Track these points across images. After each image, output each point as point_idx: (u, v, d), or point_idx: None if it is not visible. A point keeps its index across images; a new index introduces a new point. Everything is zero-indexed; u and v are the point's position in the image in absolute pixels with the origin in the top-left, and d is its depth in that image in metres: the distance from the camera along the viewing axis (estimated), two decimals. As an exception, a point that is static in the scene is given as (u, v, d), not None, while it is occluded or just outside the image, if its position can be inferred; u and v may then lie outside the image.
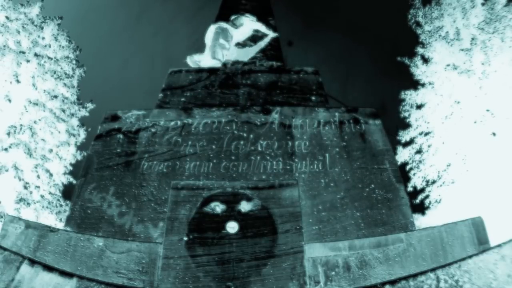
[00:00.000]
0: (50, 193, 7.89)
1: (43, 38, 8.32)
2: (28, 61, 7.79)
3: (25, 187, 7.27)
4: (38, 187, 7.57)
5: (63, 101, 8.36)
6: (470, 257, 2.86)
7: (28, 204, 7.23)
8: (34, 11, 8.34)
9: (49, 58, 8.30)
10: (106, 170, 3.92)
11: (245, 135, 4.14)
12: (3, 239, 3.13)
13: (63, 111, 8.39)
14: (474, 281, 2.72)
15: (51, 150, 7.92)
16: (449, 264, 2.85)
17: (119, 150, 4.07)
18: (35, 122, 7.74)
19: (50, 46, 8.43)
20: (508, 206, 6.67)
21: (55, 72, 8.31)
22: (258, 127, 4.20)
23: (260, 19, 6.84)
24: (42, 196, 7.70)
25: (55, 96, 8.20)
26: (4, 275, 2.87)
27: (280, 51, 6.46)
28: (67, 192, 8.27)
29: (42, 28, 8.33)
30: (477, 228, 3.11)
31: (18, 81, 7.51)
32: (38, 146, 7.72)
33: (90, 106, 8.97)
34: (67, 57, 8.74)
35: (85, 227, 3.51)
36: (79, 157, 8.57)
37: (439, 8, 8.54)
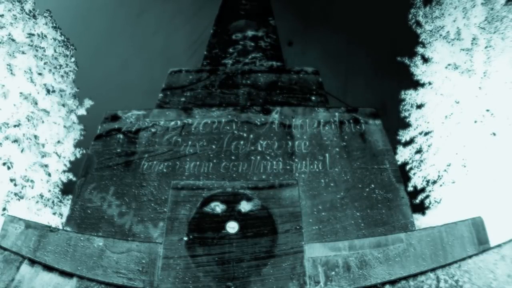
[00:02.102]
0: (49, 190, 7.88)
1: (39, 37, 8.30)
2: (23, 52, 7.76)
3: (15, 184, 7.22)
4: (33, 181, 7.52)
5: (60, 96, 8.33)
6: (470, 257, 2.86)
7: (21, 197, 7.15)
8: (28, 6, 8.32)
9: (43, 50, 8.27)
10: (106, 170, 3.92)
11: (245, 135, 4.14)
12: (3, 239, 3.13)
13: (63, 105, 8.37)
14: (474, 281, 2.72)
15: (47, 153, 7.90)
16: (449, 264, 2.86)
17: (119, 150, 4.07)
18: (30, 117, 7.70)
19: (45, 37, 8.41)
20: (508, 206, 6.67)
21: (52, 67, 8.29)
22: (258, 127, 4.20)
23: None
24: (41, 196, 7.69)
25: (53, 91, 8.18)
26: (4, 275, 2.88)
27: (280, 51, 6.46)
28: (66, 189, 8.28)
29: (36, 20, 8.30)
30: (477, 228, 3.11)
31: (12, 74, 7.48)
32: (34, 142, 7.68)
33: (89, 102, 8.95)
34: (62, 52, 8.73)
35: (85, 227, 3.51)
36: (78, 155, 8.56)
37: (440, 7, 8.53)
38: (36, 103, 7.82)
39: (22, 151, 7.34)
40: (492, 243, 3.00)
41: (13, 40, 7.74)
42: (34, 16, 8.37)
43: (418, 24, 8.85)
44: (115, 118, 4.39)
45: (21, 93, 7.62)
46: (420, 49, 8.74)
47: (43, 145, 7.86)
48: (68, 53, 8.86)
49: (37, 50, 8.09)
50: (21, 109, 7.63)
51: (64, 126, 8.38)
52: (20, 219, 3.28)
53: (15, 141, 7.26)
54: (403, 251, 3.02)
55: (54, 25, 8.75)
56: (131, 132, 4.22)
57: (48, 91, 8.07)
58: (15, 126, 7.40)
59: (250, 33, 6.62)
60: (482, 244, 3.04)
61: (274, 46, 6.47)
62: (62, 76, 8.55)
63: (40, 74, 8.03)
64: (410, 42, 8.98)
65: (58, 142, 8.25)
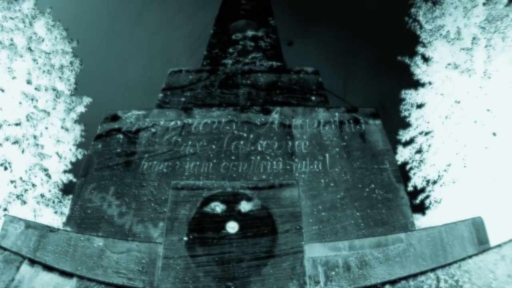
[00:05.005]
0: (49, 190, 7.88)
1: (39, 36, 8.30)
2: (21, 56, 7.77)
3: (14, 186, 7.21)
4: (35, 185, 7.53)
5: (57, 95, 8.31)
6: (470, 257, 2.86)
7: (24, 202, 7.16)
8: (27, 5, 8.31)
9: (44, 52, 8.27)
10: (106, 170, 3.92)
11: (245, 135, 4.14)
12: (3, 239, 3.13)
13: (62, 104, 8.37)
14: (474, 281, 2.72)
15: (46, 155, 7.89)
16: (449, 264, 2.86)
17: (119, 150, 4.07)
18: (30, 117, 7.69)
19: (43, 40, 8.40)
20: (508, 206, 6.66)
21: (52, 67, 8.29)
22: (258, 127, 4.20)
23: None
24: (42, 196, 7.69)
25: (52, 89, 8.18)
26: (4, 275, 2.88)
27: (280, 51, 6.46)
28: (66, 189, 8.27)
29: (33, 22, 8.29)
30: (477, 228, 3.11)
31: (13, 77, 7.50)
32: (33, 143, 7.68)
33: (87, 100, 8.93)
34: (63, 50, 8.72)
35: (85, 227, 3.51)
36: (79, 156, 8.56)
37: (440, 7, 8.52)
38: (36, 102, 7.82)
39: (22, 151, 7.34)
40: (492, 243, 3.00)
41: (13, 44, 7.75)
42: (34, 17, 8.36)
43: (418, 23, 8.85)
44: (115, 118, 4.39)
45: (24, 93, 7.63)
46: (420, 49, 8.73)
47: (42, 147, 7.86)
48: (68, 49, 8.84)
49: (36, 51, 8.09)
50: (21, 109, 7.64)
51: (63, 127, 8.38)
52: (20, 219, 3.28)
53: (16, 142, 7.26)
54: (403, 251, 3.02)
55: (53, 23, 8.73)
56: (131, 132, 4.22)
57: (46, 90, 8.08)
58: (16, 124, 7.40)
59: (250, 33, 6.62)
60: (482, 244, 3.04)
61: (274, 46, 6.47)
62: (60, 77, 8.55)
63: (39, 73, 8.03)
64: (410, 42, 8.98)
65: (58, 141, 8.25)
